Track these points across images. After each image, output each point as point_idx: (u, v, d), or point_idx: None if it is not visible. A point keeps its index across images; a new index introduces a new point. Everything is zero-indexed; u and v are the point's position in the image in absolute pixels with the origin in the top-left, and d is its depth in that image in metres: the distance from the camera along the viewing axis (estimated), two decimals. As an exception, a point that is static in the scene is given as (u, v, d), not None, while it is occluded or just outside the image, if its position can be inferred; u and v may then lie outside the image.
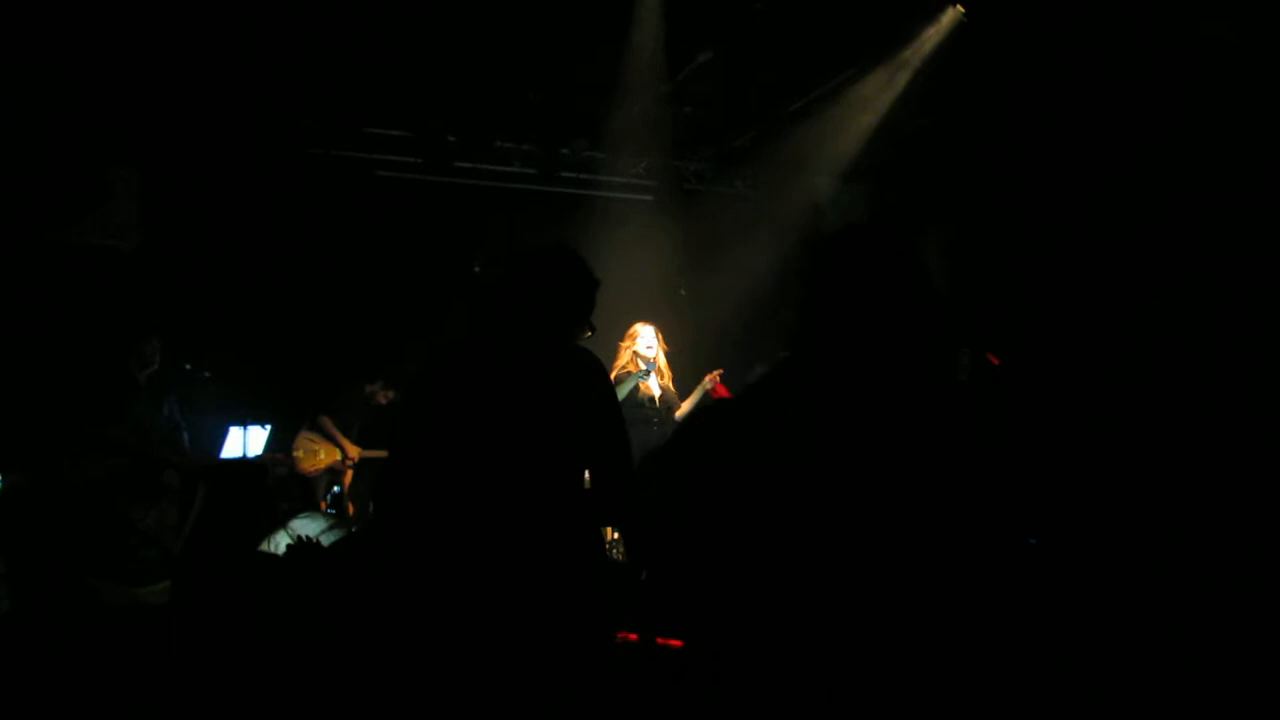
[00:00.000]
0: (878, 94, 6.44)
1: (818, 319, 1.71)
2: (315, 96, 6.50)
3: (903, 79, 6.19)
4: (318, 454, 6.30)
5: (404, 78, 6.35)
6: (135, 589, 3.32)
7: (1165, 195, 3.85)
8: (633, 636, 2.98)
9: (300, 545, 3.08)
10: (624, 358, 5.40)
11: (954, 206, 5.83)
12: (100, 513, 4.30)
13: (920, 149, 6.39)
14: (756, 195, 8.30)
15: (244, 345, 6.46)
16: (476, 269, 7.12)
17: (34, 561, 3.48)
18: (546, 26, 5.63)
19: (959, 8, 5.38)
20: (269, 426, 6.21)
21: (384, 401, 6.66)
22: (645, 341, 5.36)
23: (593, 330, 2.70)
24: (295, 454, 6.16)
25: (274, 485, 3.68)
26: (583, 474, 2.55)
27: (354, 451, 6.41)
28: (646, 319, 5.50)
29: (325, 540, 3.15)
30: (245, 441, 5.96)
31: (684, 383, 5.62)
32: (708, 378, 5.42)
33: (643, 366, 5.31)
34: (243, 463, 5.43)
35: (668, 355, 5.50)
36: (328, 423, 6.37)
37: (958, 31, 5.57)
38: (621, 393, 5.12)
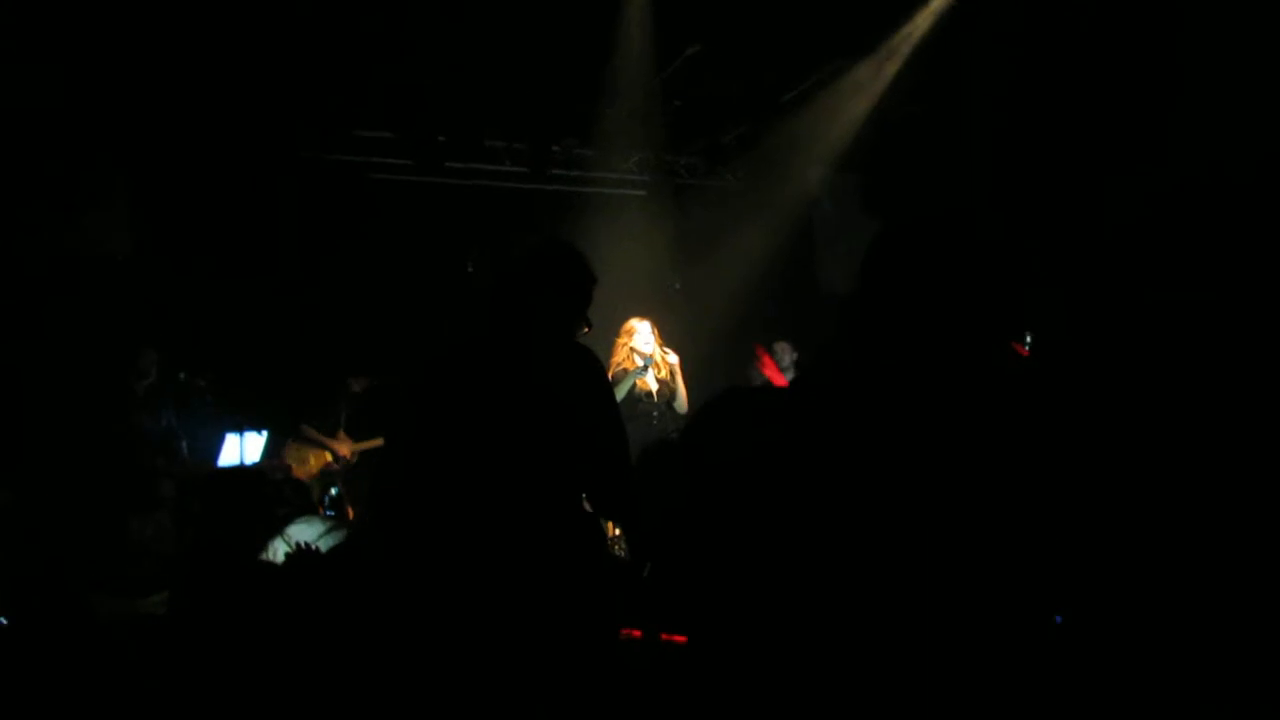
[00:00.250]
0: (869, 82, 6.43)
1: (887, 311, 1.63)
2: (305, 100, 6.47)
3: (894, 66, 6.17)
4: (307, 460, 6.28)
5: (393, 79, 6.33)
6: (133, 600, 3.30)
7: (1162, 185, 3.84)
8: (636, 633, 2.96)
9: (299, 553, 3.06)
10: (620, 354, 5.38)
11: (948, 195, 5.81)
12: (97, 524, 4.28)
13: (913, 137, 6.37)
14: (748, 188, 8.29)
15: (238, 351, 6.43)
16: (470, 269, 7.10)
17: (29, 574, 3.45)
18: (534, 24, 5.60)
19: None
20: (266, 433, 6.18)
21: (358, 389, 6.62)
22: (642, 338, 5.35)
23: (589, 326, 2.69)
24: (288, 462, 6.14)
25: (271, 492, 3.65)
26: (580, 469, 2.54)
27: (344, 450, 6.37)
28: (641, 314, 5.48)
29: (324, 545, 3.13)
30: (242, 448, 5.93)
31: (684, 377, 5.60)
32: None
33: (639, 363, 5.29)
34: (240, 471, 5.41)
35: (664, 349, 5.48)
36: (309, 430, 6.34)
37: (949, 16, 5.56)
38: (620, 392, 5.11)
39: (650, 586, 2.78)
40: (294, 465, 6.16)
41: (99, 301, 6.02)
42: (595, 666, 2.45)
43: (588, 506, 2.59)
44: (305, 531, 3.23)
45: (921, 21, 5.84)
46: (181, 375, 5.82)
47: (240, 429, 5.92)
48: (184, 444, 5.35)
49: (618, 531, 4.68)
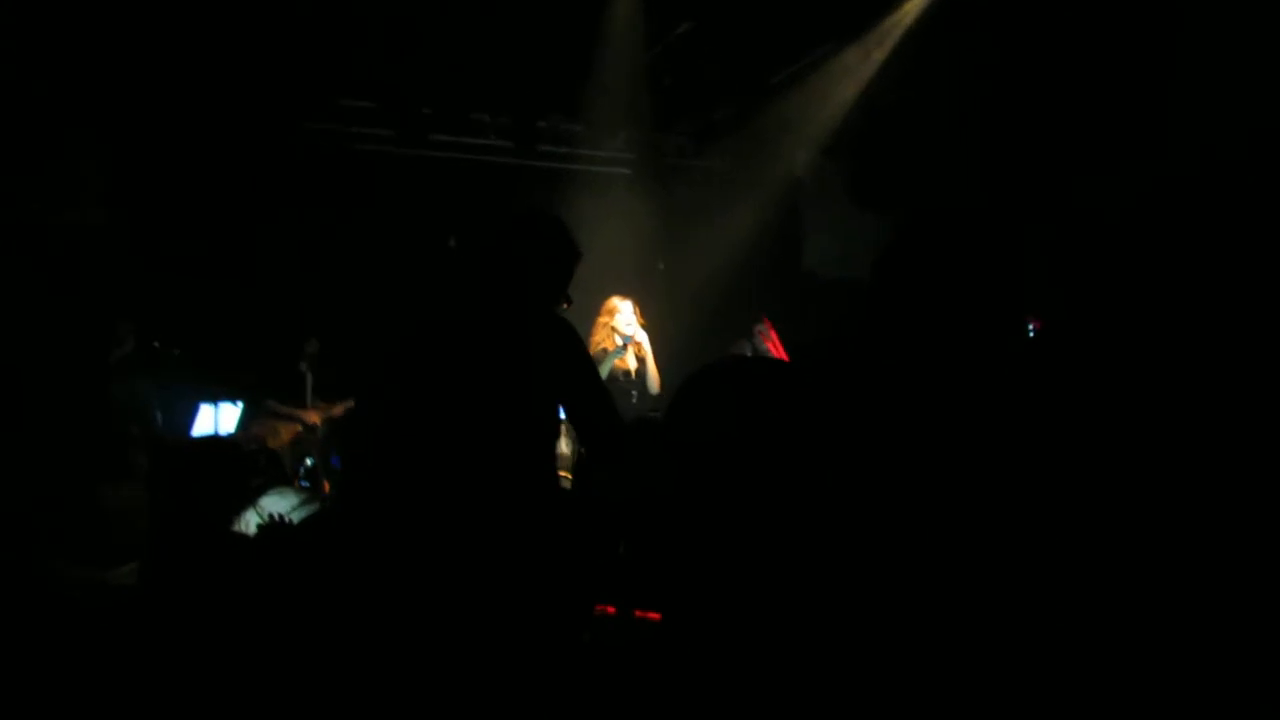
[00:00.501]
0: (858, 66, 6.40)
1: (902, 300, 1.67)
2: (287, 66, 6.37)
3: (884, 51, 6.15)
4: (278, 432, 6.23)
5: (378, 48, 6.24)
6: (101, 570, 3.26)
7: (1152, 176, 3.84)
8: (610, 609, 2.96)
9: (271, 525, 3.03)
10: (601, 333, 5.36)
11: (935, 182, 5.80)
12: (66, 491, 4.23)
13: (901, 123, 6.35)
14: (735, 169, 8.26)
15: (213, 321, 6.35)
16: (452, 243, 7.05)
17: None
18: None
19: None
20: (240, 404, 6.12)
21: (313, 351, 6.56)
22: (624, 318, 5.33)
23: (569, 302, 2.68)
24: (261, 434, 6.09)
25: (246, 463, 3.62)
26: (555, 436, 2.55)
27: (312, 417, 6.31)
28: (625, 293, 5.46)
29: (297, 517, 3.10)
30: (216, 419, 5.86)
31: (661, 356, 5.59)
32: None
33: (619, 342, 5.28)
34: (214, 441, 5.36)
35: (645, 329, 5.46)
36: (273, 404, 6.27)
37: (939, 2, 5.54)
38: (601, 372, 5.10)
39: (625, 564, 2.78)
40: (266, 436, 6.11)
41: (73, 268, 5.93)
42: (566, 640, 2.45)
43: (564, 482, 2.58)
44: (279, 503, 3.20)
45: (912, 7, 5.82)
46: (156, 344, 5.75)
47: (215, 400, 5.85)
48: (158, 414, 5.29)
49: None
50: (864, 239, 6.71)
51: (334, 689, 2.41)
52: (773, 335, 5.50)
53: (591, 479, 2.68)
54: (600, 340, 5.34)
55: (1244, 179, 3.55)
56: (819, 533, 1.54)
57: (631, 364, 5.35)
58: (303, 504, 3.25)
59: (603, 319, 5.45)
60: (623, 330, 5.29)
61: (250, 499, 3.19)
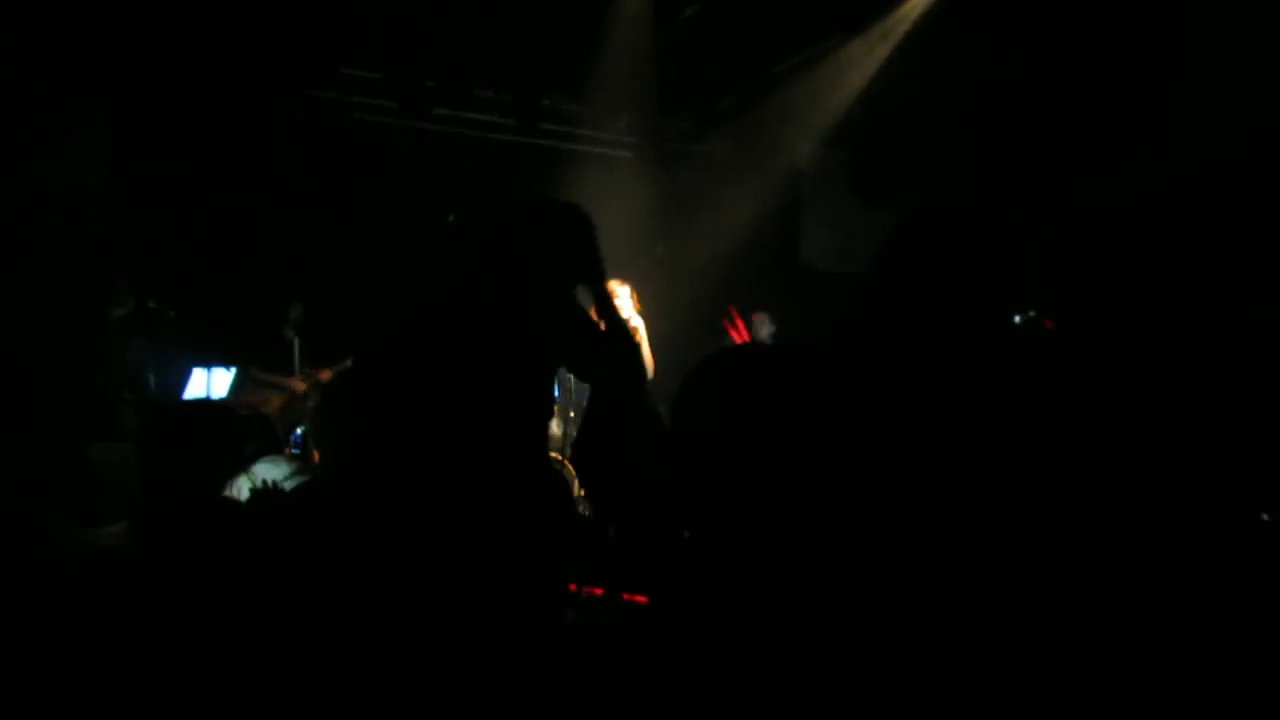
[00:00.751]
0: (863, 59, 6.40)
1: (905, 292, 1.71)
2: (291, 32, 6.32)
3: (889, 45, 6.15)
4: (270, 400, 6.23)
5: (383, 18, 6.20)
6: (90, 529, 3.26)
7: (1152, 175, 3.86)
8: (598, 591, 2.99)
9: (263, 491, 3.04)
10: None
11: (938, 178, 5.82)
12: (56, 448, 4.22)
13: (904, 117, 6.36)
14: (737, 156, 8.25)
15: (209, 286, 6.34)
16: (451, 217, 7.03)
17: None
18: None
19: None
20: (234, 369, 6.12)
21: (297, 315, 6.56)
22: (621, 302, 5.33)
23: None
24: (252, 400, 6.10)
25: (239, 427, 3.62)
26: (548, 417, 2.56)
27: (298, 385, 6.31)
28: (623, 277, 5.46)
29: (289, 486, 3.12)
30: (209, 384, 5.86)
31: (656, 341, 5.61)
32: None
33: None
34: (206, 404, 5.35)
35: (642, 314, 5.48)
36: (258, 372, 6.27)
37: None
38: None
39: (615, 546, 2.80)
40: (260, 405, 6.12)
41: (70, 227, 5.90)
42: (551, 620, 2.48)
43: (556, 465, 2.60)
44: (271, 471, 3.21)
45: (918, 3, 5.82)
46: (151, 305, 5.74)
47: (208, 364, 5.85)
48: (151, 377, 5.28)
49: (582, 492, 4.69)
50: (864, 233, 6.72)
51: (320, 659, 2.44)
52: (739, 324, 5.50)
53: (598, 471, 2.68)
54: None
55: (1244, 179, 3.58)
56: (816, 525, 1.57)
57: (627, 349, 5.35)
58: (295, 473, 3.26)
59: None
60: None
61: (243, 465, 3.20)
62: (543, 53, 6.78)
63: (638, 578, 2.63)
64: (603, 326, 2.54)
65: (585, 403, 2.71)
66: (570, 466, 5.40)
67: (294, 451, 5.41)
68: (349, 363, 6.10)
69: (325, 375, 6.31)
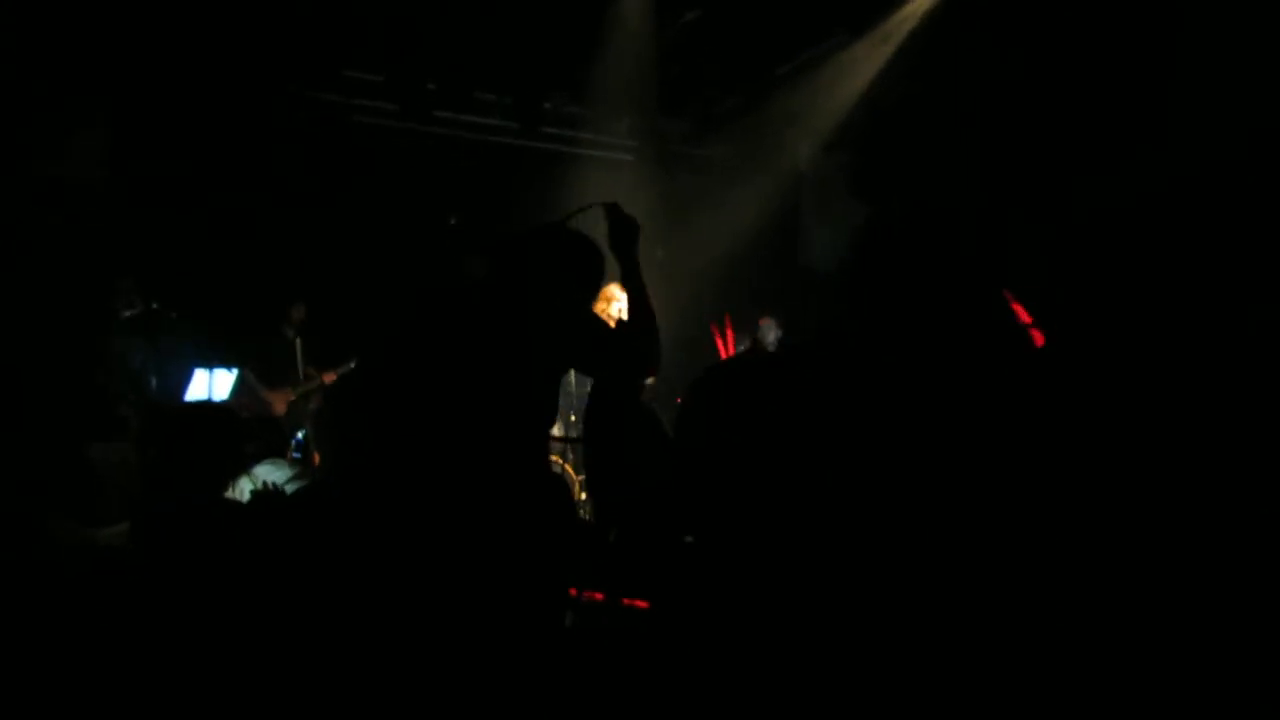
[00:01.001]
0: (864, 61, 6.40)
1: (871, 294, 1.75)
2: (293, 34, 6.33)
3: (890, 48, 6.15)
4: (274, 402, 6.24)
5: (384, 21, 6.21)
6: (91, 529, 3.27)
7: (1152, 175, 3.86)
8: (598, 596, 2.99)
9: (264, 493, 3.04)
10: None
11: (938, 179, 5.82)
12: (57, 447, 4.23)
13: (905, 119, 6.36)
14: (738, 159, 8.25)
15: (211, 287, 6.34)
16: (452, 220, 7.04)
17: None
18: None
19: None
20: (236, 370, 6.12)
21: (300, 317, 6.55)
22: (622, 305, 5.33)
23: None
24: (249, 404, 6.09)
25: (240, 429, 3.63)
26: (551, 421, 2.57)
27: (279, 406, 6.27)
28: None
29: (289, 489, 3.12)
30: (211, 385, 5.87)
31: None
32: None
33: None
34: (208, 406, 5.36)
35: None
36: (250, 376, 6.25)
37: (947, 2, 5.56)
38: None
39: (616, 551, 2.80)
40: (268, 406, 6.12)
41: (72, 229, 5.90)
42: (550, 623, 2.48)
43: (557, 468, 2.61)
44: (273, 474, 3.21)
45: (919, 5, 5.82)
46: (154, 305, 5.74)
47: (210, 365, 5.86)
48: (153, 378, 5.29)
49: (584, 495, 4.69)
50: (864, 236, 6.70)
51: (319, 660, 2.44)
52: (729, 336, 5.48)
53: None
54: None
55: (1244, 179, 3.58)
56: (816, 528, 1.57)
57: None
58: (296, 476, 3.26)
59: (600, 305, 5.45)
60: (620, 318, 5.30)
61: (245, 466, 3.21)
62: (544, 55, 6.79)
63: (638, 582, 2.63)
64: (624, 321, 2.56)
65: (586, 406, 2.72)
66: (571, 470, 5.41)
67: (295, 456, 5.41)
68: (352, 365, 6.11)
69: (329, 378, 6.31)
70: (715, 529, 1.67)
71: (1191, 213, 3.71)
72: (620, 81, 6.97)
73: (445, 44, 6.56)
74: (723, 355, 6.42)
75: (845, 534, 1.60)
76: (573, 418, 5.64)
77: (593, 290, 2.66)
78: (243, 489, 3.12)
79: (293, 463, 3.70)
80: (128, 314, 5.35)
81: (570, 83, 7.22)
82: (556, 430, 4.54)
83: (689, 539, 1.75)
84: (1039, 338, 2.07)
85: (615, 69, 6.82)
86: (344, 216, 6.91)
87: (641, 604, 2.65)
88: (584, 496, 4.25)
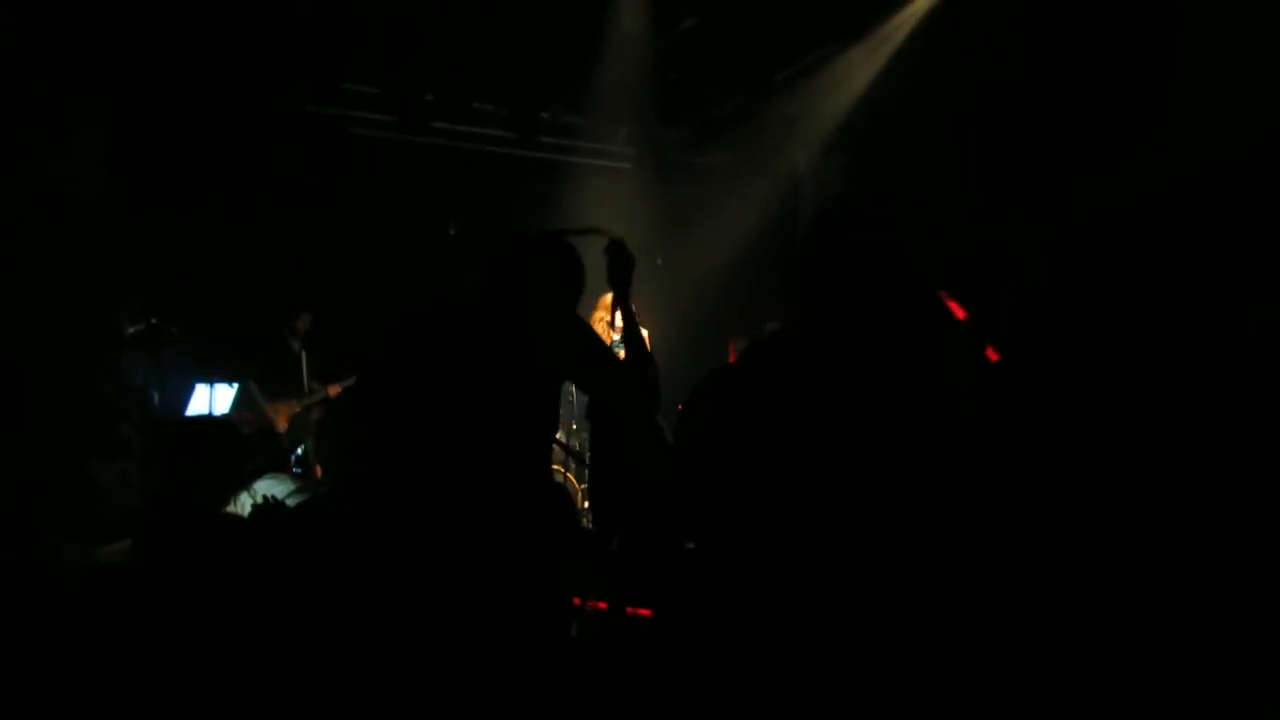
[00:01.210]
0: (864, 64, 6.40)
1: (803, 285, 1.79)
2: (291, 47, 6.34)
3: (887, 52, 6.15)
4: (278, 416, 6.22)
5: (382, 33, 6.22)
6: (93, 547, 3.26)
7: (1151, 176, 3.85)
8: (602, 605, 2.98)
9: (265, 507, 3.04)
10: (596, 329, 5.35)
11: (937, 183, 5.82)
12: (59, 464, 4.22)
13: (902, 123, 6.36)
14: (736, 166, 8.25)
15: (210, 299, 6.34)
16: (451, 231, 7.04)
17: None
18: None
19: None
20: (236, 385, 6.11)
21: (305, 327, 6.54)
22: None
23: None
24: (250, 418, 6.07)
25: (241, 444, 3.62)
26: (553, 430, 2.57)
27: (281, 421, 6.25)
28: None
29: (290, 503, 3.11)
30: (211, 400, 5.87)
31: (658, 354, 5.59)
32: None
33: (615, 338, 5.28)
34: (209, 421, 5.35)
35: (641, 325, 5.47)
36: (254, 388, 6.23)
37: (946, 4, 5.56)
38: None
39: (619, 560, 2.79)
40: (272, 420, 6.11)
41: (72, 243, 5.90)
42: (553, 632, 2.47)
43: (557, 476, 2.60)
44: (274, 488, 3.21)
45: (916, 9, 5.83)
46: (153, 320, 5.74)
47: (210, 380, 5.85)
48: (155, 395, 5.29)
49: (586, 504, 4.69)
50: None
51: (322, 673, 2.43)
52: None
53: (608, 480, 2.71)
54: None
55: (1244, 179, 3.58)
56: (814, 528, 1.57)
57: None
58: (297, 490, 3.25)
59: (598, 314, 5.46)
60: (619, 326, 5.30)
61: (246, 481, 3.20)
62: (541, 65, 6.80)
63: (641, 589, 2.63)
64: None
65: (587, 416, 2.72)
66: (573, 479, 5.40)
67: (296, 470, 5.41)
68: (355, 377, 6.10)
69: (334, 390, 6.30)
70: (715, 533, 1.68)
71: (1191, 213, 3.71)
72: (618, 90, 6.97)
73: (443, 55, 6.57)
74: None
75: (840, 536, 1.60)
76: (575, 426, 5.64)
77: (579, 297, 2.69)
78: (244, 504, 3.11)
79: (294, 477, 3.70)
80: (132, 330, 5.34)
81: (568, 92, 7.23)
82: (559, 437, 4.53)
83: (690, 545, 1.75)
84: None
85: (612, 78, 6.83)
86: (343, 228, 6.91)
87: (645, 612, 2.64)
88: (586, 505, 4.24)
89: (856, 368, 1.71)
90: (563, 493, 2.73)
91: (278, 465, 4.37)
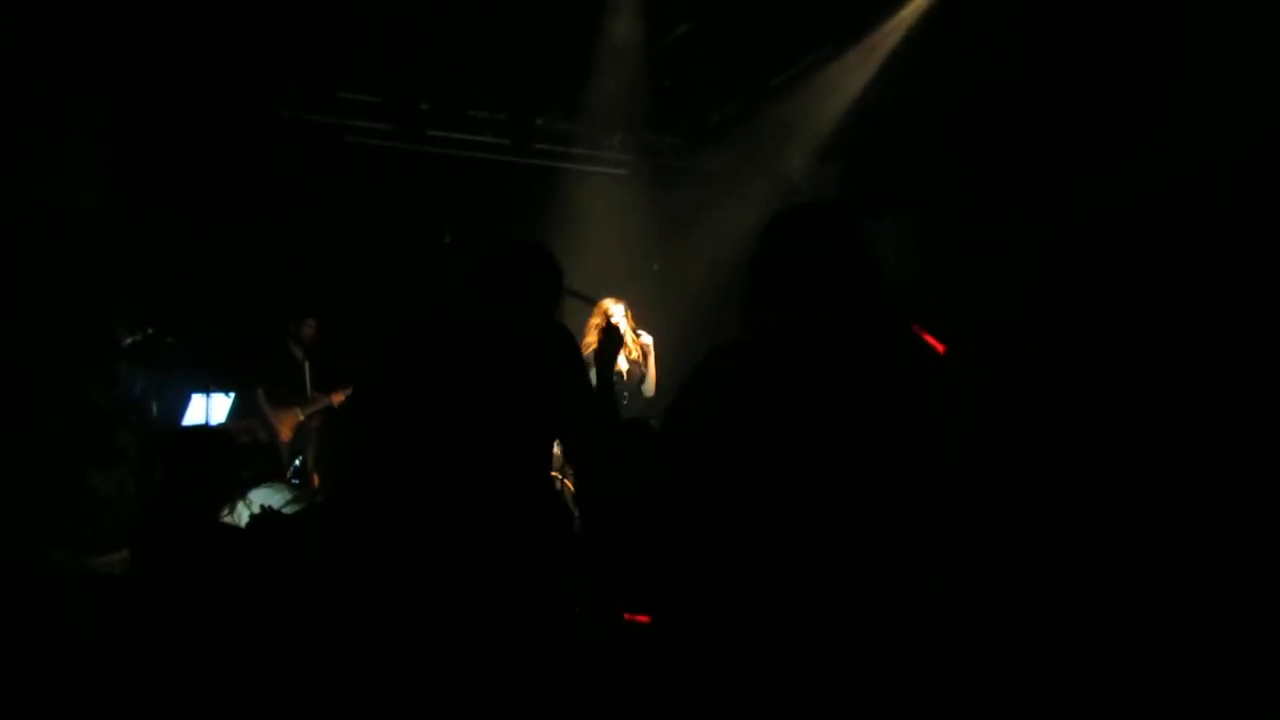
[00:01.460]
0: (855, 70, 6.40)
1: (748, 290, 1.84)
2: (287, 58, 6.34)
3: (881, 55, 6.15)
4: (282, 426, 6.20)
5: (378, 42, 6.22)
6: (90, 557, 3.24)
7: (1153, 172, 3.85)
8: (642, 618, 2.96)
9: (263, 517, 3.02)
10: (592, 335, 5.35)
11: (931, 186, 5.81)
12: (57, 476, 4.20)
13: (897, 126, 6.36)
14: (731, 171, 8.25)
15: (207, 310, 6.32)
16: (447, 239, 7.03)
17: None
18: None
19: None
20: (233, 395, 6.09)
21: (310, 333, 6.52)
22: (616, 317, 5.32)
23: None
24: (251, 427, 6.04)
25: (237, 454, 3.60)
26: (551, 442, 2.56)
27: (285, 432, 6.22)
28: (619, 293, 5.45)
29: (287, 513, 3.10)
30: (208, 410, 5.85)
31: (659, 357, 5.61)
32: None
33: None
34: (206, 430, 5.33)
35: (636, 331, 5.47)
36: (262, 397, 6.20)
37: (940, 6, 5.56)
38: (592, 376, 5.09)
39: (616, 567, 2.77)
40: (276, 431, 6.08)
41: (70, 252, 5.88)
42: (555, 641, 2.46)
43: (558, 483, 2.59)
44: (271, 497, 3.20)
45: (909, 11, 5.83)
46: (150, 331, 5.72)
47: (207, 390, 5.83)
48: (154, 405, 5.27)
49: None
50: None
51: (321, 682, 2.41)
52: None
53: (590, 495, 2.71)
54: (591, 342, 5.33)
55: (1244, 179, 3.57)
56: (805, 520, 1.57)
57: (623, 365, 5.35)
58: (293, 500, 3.24)
59: (595, 320, 5.44)
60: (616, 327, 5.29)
61: (241, 491, 3.19)
62: (536, 73, 6.80)
63: (641, 597, 2.61)
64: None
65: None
66: (570, 486, 5.37)
67: (294, 482, 5.38)
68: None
69: (338, 399, 6.27)
70: (707, 528, 1.67)
71: (1192, 213, 3.70)
72: (612, 96, 6.98)
73: (438, 64, 6.57)
74: None
75: (821, 536, 1.59)
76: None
77: (560, 302, 2.78)
78: (240, 515, 3.10)
79: (291, 487, 3.68)
80: (129, 341, 5.33)
81: (563, 99, 7.23)
82: (556, 446, 4.51)
83: (685, 547, 1.73)
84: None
85: (607, 85, 6.83)
86: (341, 236, 6.90)
87: (643, 619, 2.62)
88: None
89: (838, 369, 1.71)
90: (561, 500, 2.71)
91: (273, 475, 4.34)
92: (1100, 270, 4.00)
